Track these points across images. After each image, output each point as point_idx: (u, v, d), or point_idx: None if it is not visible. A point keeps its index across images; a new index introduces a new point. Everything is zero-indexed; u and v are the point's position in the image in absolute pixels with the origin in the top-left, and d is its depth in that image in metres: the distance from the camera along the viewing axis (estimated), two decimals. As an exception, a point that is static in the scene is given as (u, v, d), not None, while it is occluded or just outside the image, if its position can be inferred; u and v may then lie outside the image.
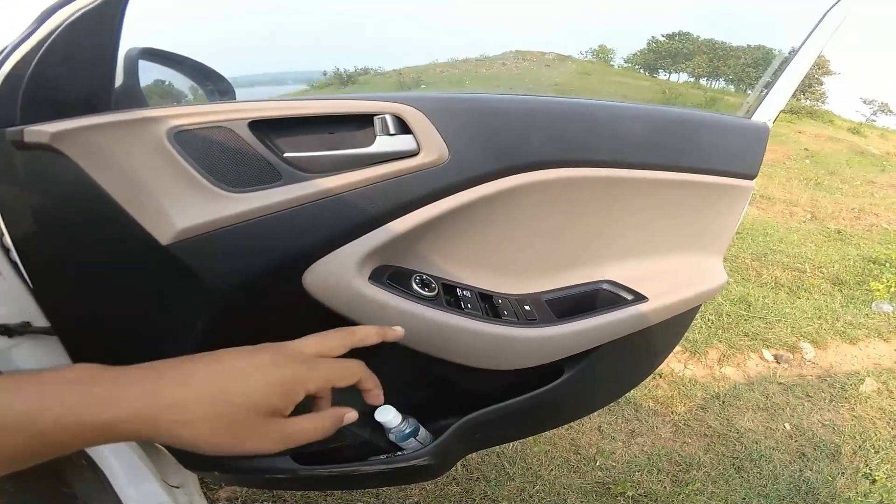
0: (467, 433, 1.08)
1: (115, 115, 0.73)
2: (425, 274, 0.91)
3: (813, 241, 5.96)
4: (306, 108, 0.78)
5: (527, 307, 1.00)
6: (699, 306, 1.19)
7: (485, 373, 1.02)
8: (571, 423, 2.45)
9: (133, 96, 0.98)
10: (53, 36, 0.71)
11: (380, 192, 0.80)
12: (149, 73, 1.10)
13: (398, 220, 0.82)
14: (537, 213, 0.96)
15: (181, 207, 0.73)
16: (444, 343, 0.90)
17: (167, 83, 1.26)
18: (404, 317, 0.84)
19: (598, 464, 2.26)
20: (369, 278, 0.82)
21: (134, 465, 1.24)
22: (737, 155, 1.04)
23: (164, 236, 0.74)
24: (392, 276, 0.86)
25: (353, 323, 0.83)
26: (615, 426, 2.51)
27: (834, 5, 1.00)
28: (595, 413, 2.55)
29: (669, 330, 1.20)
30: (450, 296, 0.92)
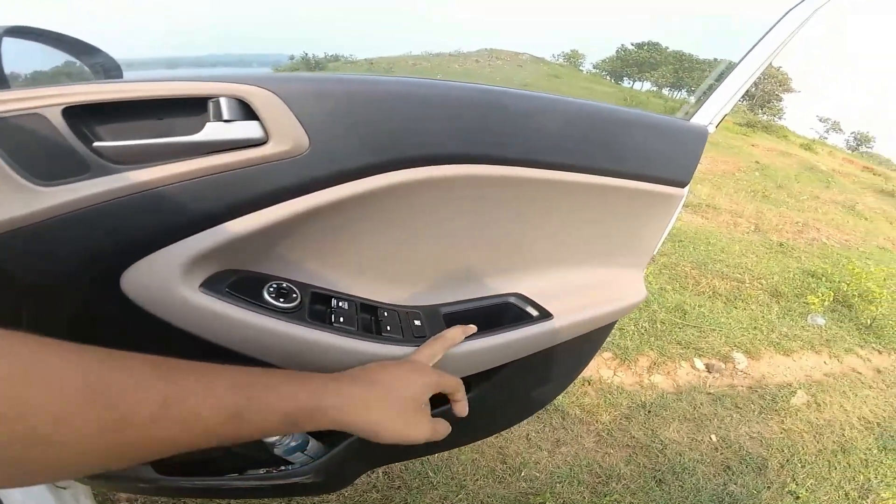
0: (364, 449, 1.00)
1: None
2: (286, 281, 0.81)
3: (755, 252, 6.10)
4: (129, 91, 0.68)
5: (417, 322, 0.90)
6: (615, 322, 1.12)
7: None
8: (501, 433, 2.40)
9: None
10: None
11: (212, 186, 0.69)
12: (24, 53, 1.02)
13: (241, 218, 0.71)
14: (432, 214, 0.86)
15: None
16: (310, 362, 0.80)
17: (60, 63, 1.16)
18: (252, 331, 0.75)
19: (522, 474, 2.24)
20: (201, 285, 0.72)
21: None
22: (670, 160, 0.95)
23: None
24: (235, 283, 0.76)
25: (179, 331, 0.74)
26: (542, 434, 2.49)
27: (784, 16, 0.92)
28: (524, 422, 2.52)
29: (581, 348, 1.13)
30: (323, 306, 0.83)
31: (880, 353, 4.13)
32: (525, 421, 2.49)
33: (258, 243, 0.76)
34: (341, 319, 0.81)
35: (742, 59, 0.95)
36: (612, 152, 0.90)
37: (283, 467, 0.98)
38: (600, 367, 3.10)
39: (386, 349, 0.82)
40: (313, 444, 0.98)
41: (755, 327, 3.97)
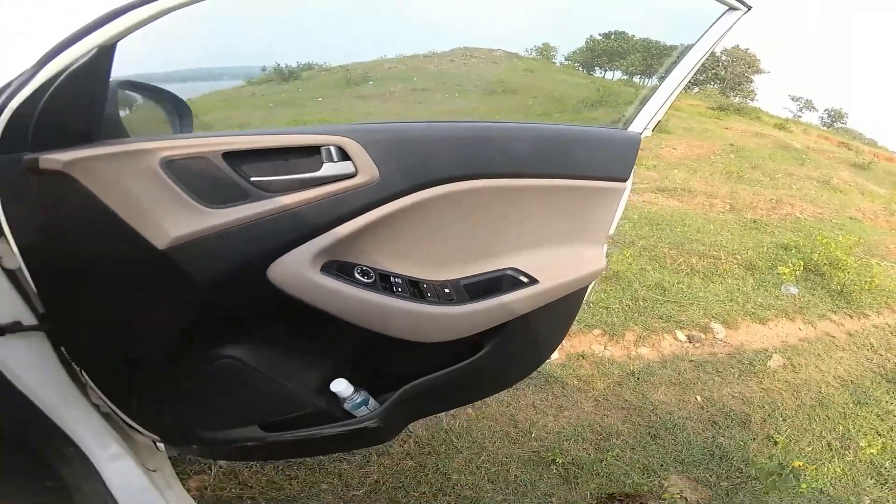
0: (406, 402, 1.36)
1: (115, 146, 0.95)
2: (365, 266, 1.18)
3: (729, 230, 6.36)
4: (268, 141, 1.04)
5: (447, 290, 1.28)
6: (586, 287, 1.48)
7: (419, 348, 1.30)
8: (510, 402, 2.77)
9: (115, 123, 1.18)
10: (60, 80, 0.90)
11: (325, 206, 1.06)
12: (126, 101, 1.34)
13: (341, 226, 1.08)
14: (450, 217, 1.23)
15: (173, 220, 0.97)
16: (381, 320, 1.19)
17: (139, 109, 1.48)
18: (348, 299, 1.12)
19: (533, 435, 2.58)
20: (321, 270, 1.09)
21: (115, 452, 1.40)
22: (610, 162, 1.32)
23: (160, 242, 0.97)
24: (339, 267, 1.14)
25: (306, 306, 1.11)
26: (546, 402, 2.83)
27: (703, 34, 1.29)
28: (528, 392, 2.88)
29: (563, 308, 1.48)
30: (385, 282, 1.20)
31: (851, 317, 4.41)
32: (530, 391, 2.85)
33: (350, 242, 1.13)
34: (399, 290, 1.20)
35: (666, 74, 1.35)
36: (567, 161, 1.29)
37: (347, 421, 1.33)
38: (592, 343, 3.42)
39: (431, 308, 1.22)
40: (372, 402, 1.35)
41: (731, 299, 4.26)
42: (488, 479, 2.30)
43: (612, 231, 1.44)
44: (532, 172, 1.25)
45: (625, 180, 1.34)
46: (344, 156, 1.06)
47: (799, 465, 2.49)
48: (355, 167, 1.07)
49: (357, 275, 1.15)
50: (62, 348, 1.32)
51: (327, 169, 1.05)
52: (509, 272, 1.35)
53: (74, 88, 0.93)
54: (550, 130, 1.29)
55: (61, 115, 0.94)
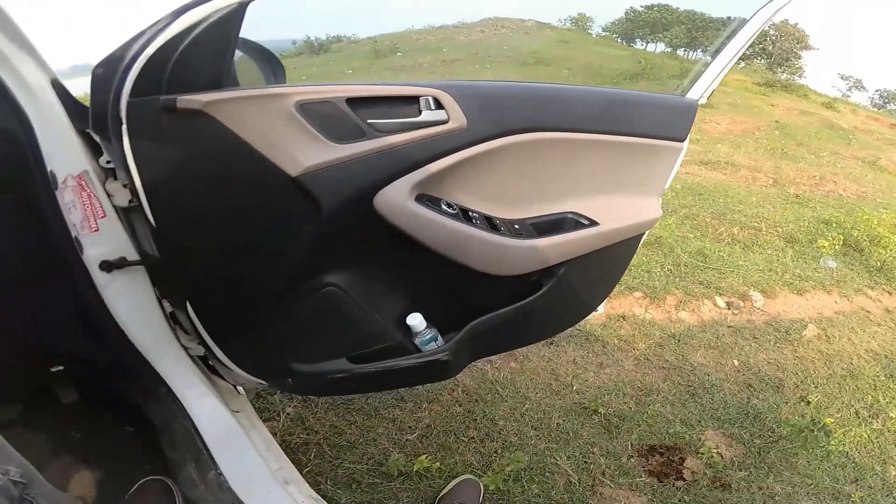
0: (472, 339, 1.50)
1: (251, 90, 1.11)
2: (450, 200, 1.33)
3: (771, 203, 6.32)
4: (381, 90, 1.21)
5: (517, 226, 1.42)
6: (641, 235, 1.61)
7: (486, 283, 1.44)
8: (551, 357, 2.89)
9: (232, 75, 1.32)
10: (198, 29, 1.03)
11: (422, 146, 1.23)
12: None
13: (432, 164, 1.24)
14: (523, 163, 1.37)
15: (304, 152, 1.13)
16: (460, 247, 1.33)
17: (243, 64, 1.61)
18: (435, 225, 1.28)
19: (574, 388, 2.69)
20: (415, 200, 1.25)
21: (203, 392, 1.53)
22: (669, 123, 1.45)
23: (293, 170, 1.13)
24: (429, 199, 1.29)
25: (403, 232, 1.26)
26: (586, 359, 2.94)
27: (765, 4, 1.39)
28: (569, 349, 2.99)
29: (619, 252, 1.61)
30: (465, 215, 1.34)
31: (890, 293, 4.39)
32: (570, 348, 2.96)
33: (438, 178, 1.28)
34: (477, 222, 1.35)
35: (723, 46, 1.45)
36: (630, 120, 1.42)
37: (421, 354, 1.47)
38: (633, 306, 3.51)
39: (504, 240, 1.37)
40: (440, 339, 1.48)
41: (770, 269, 4.28)
42: (532, 427, 2.43)
43: (667, 186, 1.56)
44: (599, 129, 1.38)
45: (682, 140, 1.47)
46: (438, 105, 1.22)
47: (829, 423, 2.56)
48: (447, 115, 1.23)
49: (443, 206, 1.31)
50: (162, 288, 1.44)
51: (425, 115, 1.22)
52: (570, 215, 1.48)
53: (212, 38, 1.06)
54: (616, 93, 1.43)
55: (197, 62, 1.07)
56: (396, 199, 1.23)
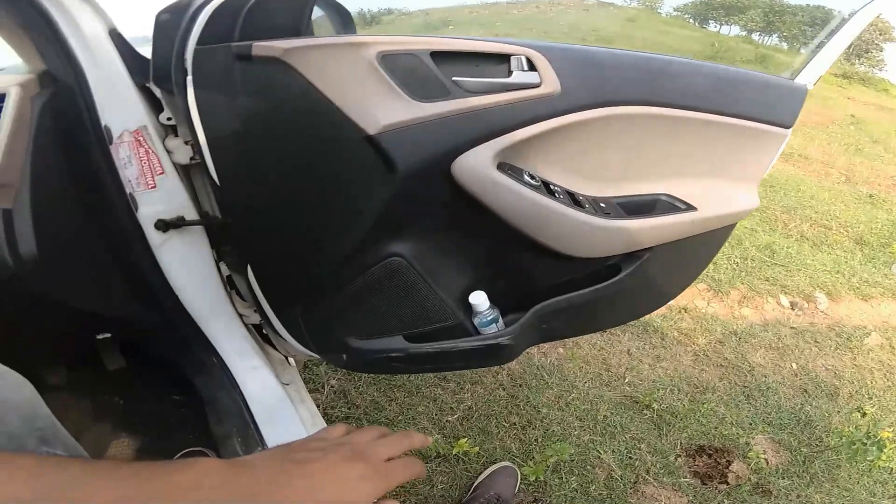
0: (537, 321, 1.38)
1: (336, 38, 1.01)
2: (532, 172, 1.20)
3: (843, 201, 6.03)
4: (469, 45, 1.07)
5: (602, 205, 1.28)
6: (734, 225, 1.46)
7: (559, 265, 1.31)
8: (603, 346, 2.76)
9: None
10: None
11: (509, 110, 1.08)
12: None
13: (519, 131, 1.10)
14: (617, 137, 1.22)
15: (384, 109, 1.01)
16: (540, 223, 1.20)
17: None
18: (516, 197, 1.14)
19: (626, 380, 2.57)
20: (496, 168, 1.11)
21: (255, 364, 1.48)
22: (776, 108, 1.29)
23: (371, 128, 1.01)
24: (510, 169, 1.15)
25: (479, 202, 1.14)
26: (642, 350, 2.81)
27: None
28: (624, 338, 2.86)
29: (708, 242, 1.46)
30: (546, 189, 1.20)
31: None
32: (626, 337, 2.82)
33: (522, 147, 1.14)
34: (561, 196, 1.19)
35: (846, 21, 1.28)
36: (737, 101, 1.25)
37: (481, 336, 1.35)
38: (695, 298, 3.36)
39: (588, 218, 1.20)
40: (501, 322, 1.35)
41: (838, 271, 4.08)
42: (577, 417, 2.32)
43: (765, 174, 1.42)
44: (703, 107, 1.22)
45: (788, 127, 1.31)
46: (531, 67, 1.08)
47: (886, 436, 2.42)
48: (540, 78, 1.08)
49: (526, 177, 1.17)
50: (221, 250, 1.38)
51: (516, 77, 1.08)
52: (664, 197, 1.34)
53: None
54: (724, 70, 1.26)
55: (273, 11, 0.98)
56: (477, 166, 1.09)
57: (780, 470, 2.31)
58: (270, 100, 1.01)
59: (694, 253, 1.48)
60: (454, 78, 1.05)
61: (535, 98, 1.08)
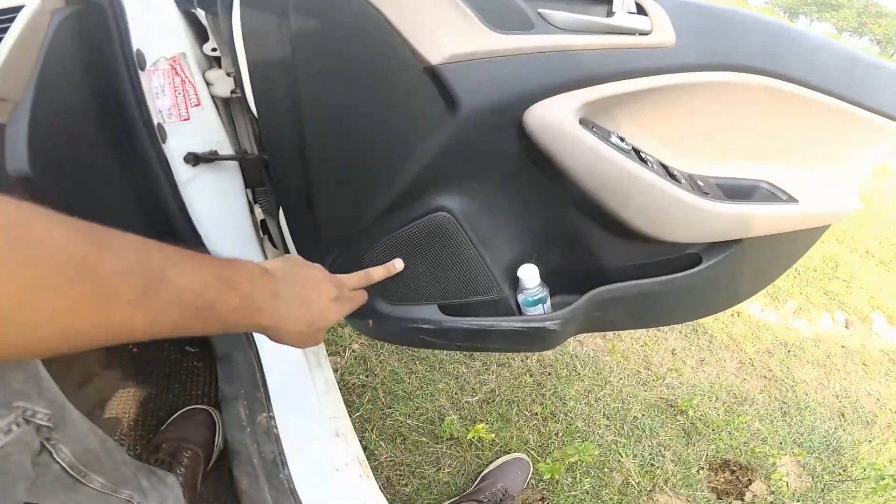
0: (593, 307, 1.20)
1: None
2: (622, 135, 1.04)
3: None
4: None
5: (700, 183, 1.11)
6: (829, 226, 1.29)
7: (631, 247, 1.15)
8: (646, 342, 2.61)
9: None
10: None
11: (605, 58, 0.92)
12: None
13: (615, 84, 0.94)
14: (728, 108, 1.06)
15: (452, 37, 0.87)
16: (626, 194, 1.04)
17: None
18: (600, 159, 0.98)
19: (665, 381, 2.42)
20: (579, 122, 0.95)
21: None
22: None
23: (434, 57, 0.87)
24: (594, 127, 0.99)
25: (553, 159, 0.99)
26: (687, 352, 2.65)
27: None
28: (671, 336, 2.70)
29: (800, 241, 1.30)
30: (640, 156, 1.04)
31: None
32: (672, 336, 2.68)
33: (613, 104, 0.98)
34: (653, 166, 1.02)
35: None
36: (869, 90, 1.08)
37: (525, 317, 1.19)
38: (751, 302, 3.19)
39: (686, 196, 1.03)
40: (548, 303, 1.19)
41: (901, 295, 3.88)
42: (605, 415, 2.19)
43: (869, 174, 1.25)
44: (832, 91, 1.05)
45: None
46: (641, 11, 0.93)
47: None
48: (651, 25, 0.92)
49: (614, 139, 1.01)
50: (254, 191, 1.27)
51: (620, 19, 0.92)
52: (764, 184, 1.17)
53: None
54: (859, 52, 1.09)
55: None
56: (557, 117, 0.93)
57: (798, 495, 2.20)
58: (325, 22, 0.89)
59: (782, 252, 1.32)
60: (541, 10, 0.90)
61: (642, 48, 0.93)
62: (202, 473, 1.26)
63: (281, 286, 0.77)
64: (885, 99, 1.08)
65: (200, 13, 1.11)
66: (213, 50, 1.14)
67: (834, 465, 2.39)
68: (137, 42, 1.08)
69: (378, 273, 1.06)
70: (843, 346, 3.14)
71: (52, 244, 0.45)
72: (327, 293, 0.86)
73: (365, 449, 1.72)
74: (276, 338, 0.78)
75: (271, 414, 1.30)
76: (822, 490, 2.26)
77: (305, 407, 1.34)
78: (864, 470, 2.32)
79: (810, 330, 3.19)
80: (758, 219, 1.11)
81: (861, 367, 3.05)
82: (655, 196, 1.02)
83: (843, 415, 2.68)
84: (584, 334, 2.49)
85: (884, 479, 2.25)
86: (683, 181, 1.06)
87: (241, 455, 1.25)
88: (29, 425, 0.72)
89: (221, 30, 0.99)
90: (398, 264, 1.10)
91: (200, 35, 1.14)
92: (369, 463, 1.69)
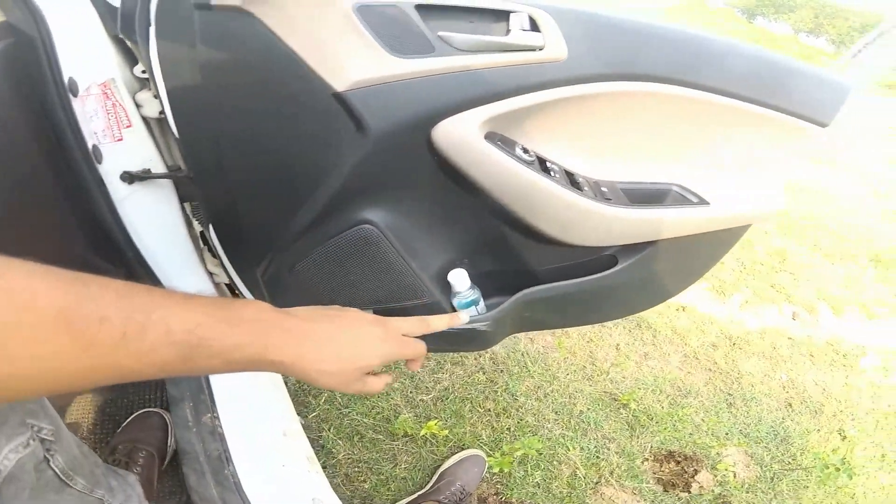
0: (521, 308, 1.28)
1: None
2: (526, 146, 1.10)
3: (867, 215, 5.80)
4: None
5: (604, 189, 1.17)
6: (749, 225, 1.34)
7: (550, 250, 1.22)
8: (592, 338, 2.69)
9: None
10: None
11: (504, 74, 0.98)
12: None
13: (514, 98, 1.00)
14: (627, 116, 1.11)
15: (356, 64, 0.92)
16: (531, 203, 1.11)
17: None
18: (505, 171, 1.05)
19: (609, 376, 2.51)
20: (484, 138, 1.02)
21: None
22: (816, 103, 1.16)
23: (340, 84, 0.93)
24: (501, 140, 1.05)
25: (463, 173, 1.05)
26: (631, 346, 2.74)
27: None
28: (615, 332, 2.79)
29: (719, 241, 1.35)
30: (541, 165, 1.11)
31: None
32: (617, 331, 2.76)
33: (516, 117, 1.04)
34: (556, 175, 1.09)
35: (886, 33, 1.15)
36: (777, 90, 1.12)
37: None
38: (696, 297, 3.28)
39: (585, 202, 1.11)
40: (482, 305, 1.27)
41: (847, 286, 3.97)
42: (553, 410, 2.28)
43: (791, 174, 1.30)
44: (736, 93, 1.10)
45: (825, 125, 1.19)
46: (535, 27, 0.98)
47: (857, 464, 2.44)
48: (544, 40, 0.97)
49: (518, 151, 1.07)
50: (191, 205, 1.31)
51: (515, 36, 0.97)
52: (675, 188, 1.23)
53: None
54: (768, 54, 1.13)
55: None
56: (462, 133, 0.99)
57: (747, 484, 2.28)
58: (232, 52, 0.93)
59: (701, 252, 1.38)
60: (440, 33, 0.95)
61: (537, 63, 0.98)
62: (158, 473, 1.36)
63: (299, 323, 0.75)
64: (798, 100, 1.14)
65: (127, 40, 1.16)
66: (143, 72, 1.19)
67: (783, 455, 2.47)
68: (69, 70, 1.12)
69: (439, 322, 1.03)
70: (789, 338, 3.24)
71: (29, 295, 0.47)
72: (368, 333, 0.84)
73: (322, 448, 1.78)
74: (303, 377, 0.75)
75: (216, 414, 1.36)
76: (772, 479, 2.34)
77: (250, 407, 1.41)
78: (815, 459, 2.41)
79: (756, 322, 3.29)
80: (665, 221, 1.18)
81: (808, 358, 3.14)
82: (558, 204, 1.10)
83: (790, 405, 2.77)
84: (536, 332, 2.57)
85: (828, 468, 2.37)
86: (587, 188, 1.13)
87: (190, 454, 1.32)
88: (38, 434, 0.84)
89: (143, 57, 1.03)
90: (463, 316, 1.11)
91: (130, 58, 1.19)
92: (328, 461, 1.74)
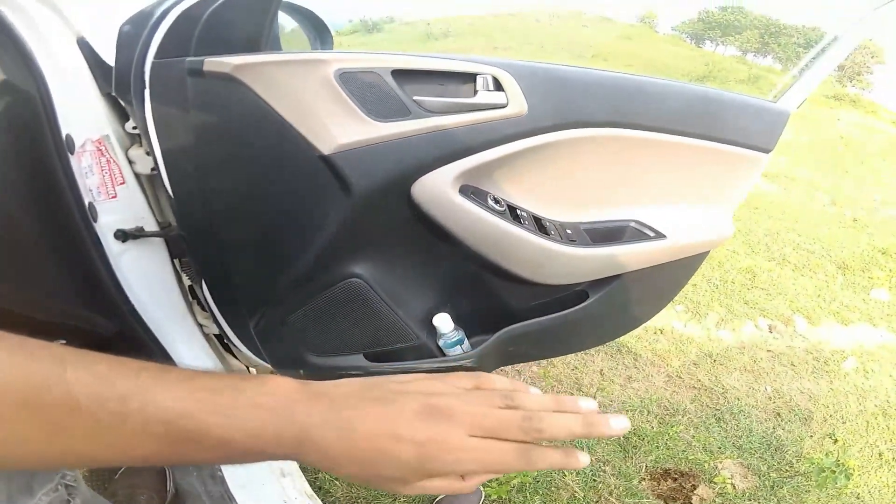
0: (503, 344, 1.36)
1: (288, 55, 0.99)
2: (497, 195, 1.18)
3: (827, 225, 6.03)
4: (432, 63, 1.05)
5: (568, 231, 1.26)
6: (707, 252, 1.44)
7: (526, 290, 1.30)
8: (576, 365, 2.76)
9: (274, 38, 1.24)
10: None
11: (473, 131, 1.07)
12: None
13: (483, 153, 1.08)
14: (585, 161, 1.21)
15: (340, 128, 1.00)
16: (504, 249, 1.19)
17: (288, 29, 1.54)
18: (478, 222, 1.13)
19: (596, 401, 2.54)
20: (458, 191, 1.10)
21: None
22: (756, 132, 1.26)
23: (326, 148, 1.00)
24: (474, 192, 1.14)
25: (440, 225, 1.13)
26: (615, 371, 2.81)
27: (883, 5, 1.20)
28: (597, 358, 2.86)
29: (680, 270, 1.45)
30: (512, 213, 1.19)
31: None
32: (599, 358, 2.82)
33: (487, 169, 1.13)
34: (525, 223, 1.18)
35: (831, 44, 1.26)
36: (715, 124, 1.23)
37: (444, 358, 1.34)
38: (673, 319, 3.36)
39: (553, 245, 1.19)
40: (466, 343, 1.35)
41: (819, 296, 4.09)
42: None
43: (741, 200, 1.40)
44: (679, 130, 1.20)
45: (768, 152, 1.29)
46: (497, 86, 1.07)
47: (852, 465, 2.47)
48: (507, 98, 1.07)
49: (490, 201, 1.16)
50: (180, 260, 1.37)
51: (481, 97, 1.06)
52: (633, 224, 1.32)
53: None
54: (702, 91, 1.24)
55: (231, 23, 0.97)
56: (438, 188, 1.08)
57: (747, 495, 2.31)
58: (223, 117, 1.00)
59: (664, 280, 1.47)
60: (415, 97, 1.04)
61: (501, 119, 1.07)
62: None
63: (322, 411, 0.58)
64: (739, 130, 1.25)
65: (120, 98, 1.22)
66: (135, 128, 1.24)
67: (779, 463, 2.51)
68: (66, 127, 1.17)
69: (555, 458, 0.65)
70: (768, 350, 3.33)
71: (9, 380, 0.45)
72: (419, 438, 0.57)
73: (319, 489, 1.79)
74: (335, 473, 0.63)
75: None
76: (772, 487, 2.37)
77: None
78: (811, 465, 2.45)
79: (734, 339, 3.37)
80: (627, 256, 1.28)
81: (790, 368, 3.23)
82: (529, 249, 1.19)
83: (779, 414, 2.83)
84: (522, 363, 2.63)
85: (824, 471, 2.41)
86: (553, 231, 1.23)
87: (192, 495, 1.37)
88: (63, 480, 0.91)
89: (137, 113, 1.08)
90: (583, 459, 0.65)
91: (122, 114, 1.24)
92: (326, 500, 1.75)
